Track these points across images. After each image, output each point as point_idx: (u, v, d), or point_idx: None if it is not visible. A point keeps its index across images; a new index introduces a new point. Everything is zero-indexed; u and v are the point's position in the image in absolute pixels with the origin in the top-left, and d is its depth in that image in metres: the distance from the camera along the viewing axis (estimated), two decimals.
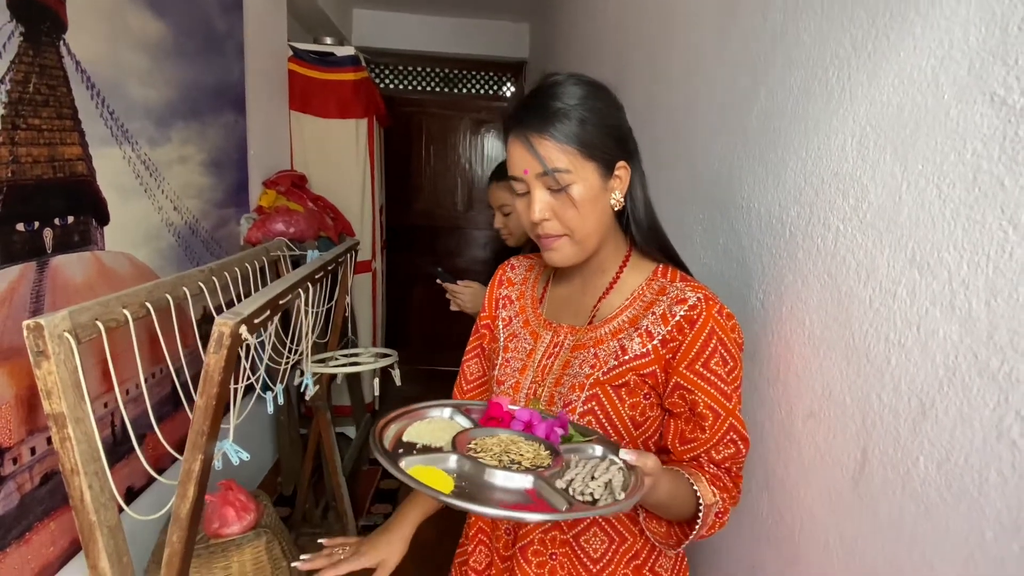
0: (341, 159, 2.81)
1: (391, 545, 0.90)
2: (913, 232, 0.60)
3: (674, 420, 0.78)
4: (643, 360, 0.76)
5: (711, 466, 0.75)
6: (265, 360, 1.43)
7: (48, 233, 1.21)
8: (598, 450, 0.69)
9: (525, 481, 0.60)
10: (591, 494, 0.59)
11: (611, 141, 0.75)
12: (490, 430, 0.72)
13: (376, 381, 1.91)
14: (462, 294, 1.51)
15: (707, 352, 0.73)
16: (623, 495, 0.58)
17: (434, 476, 0.60)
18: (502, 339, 0.90)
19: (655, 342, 0.76)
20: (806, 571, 0.77)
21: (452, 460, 0.64)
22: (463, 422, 0.76)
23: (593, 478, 0.61)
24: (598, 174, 0.75)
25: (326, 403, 2.18)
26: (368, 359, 2.00)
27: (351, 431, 2.93)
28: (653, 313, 0.77)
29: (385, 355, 1.98)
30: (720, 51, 1.04)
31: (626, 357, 0.76)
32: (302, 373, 1.89)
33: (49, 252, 1.21)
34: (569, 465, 0.64)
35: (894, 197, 0.62)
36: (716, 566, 1.00)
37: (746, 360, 0.83)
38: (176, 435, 1.07)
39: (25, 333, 0.84)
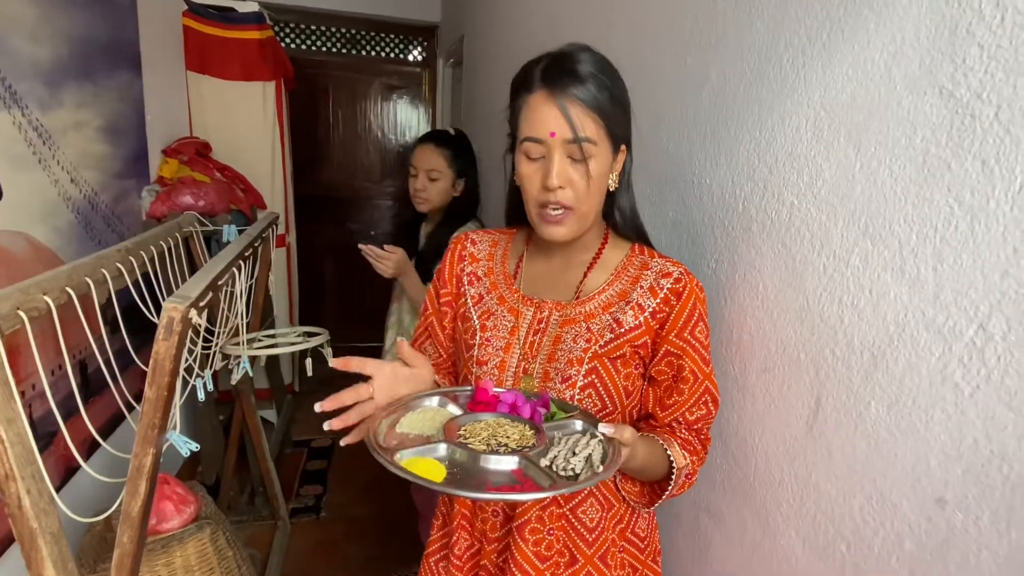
0: (247, 125, 2.62)
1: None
2: (866, 207, 0.68)
3: (654, 387, 0.84)
4: (637, 332, 0.81)
5: (683, 430, 0.82)
6: (200, 344, 1.34)
7: None
8: (579, 425, 0.74)
9: (511, 462, 0.64)
10: (572, 469, 0.63)
11: (625, 119, 0.78)
12: (477, 415, 0.74)
13: (308, 362, 1.85)
14: (387, 259, 1.49)
15: (692, 321, 0.80)
16: (602, 467, 0.63)
17: (427, 466, 0.63)
18: (475, 317, 0.89)
19: (646, 314, 0.81)
20: (761, 507, 0.87)
21: (442, 448, 0.67)
22: (453, 409, 0.77)
23: (574, 453, 0.65)
24: (610, 152, 0.77)
25: (250, 387, 2.07)
26: (296, 338, 1.92)
27: (270, 414, 2.81)
28: (640, 287, 0.82)
29: (315, 334, 1.92)
30: (668, 29, 1.09)
31: (622, 330, 0.81)
32: (225, 357, 1.78)
33: None
34: (552, 442, 0.68)
35: (848, 176, 0.70)
36: (674, 513, 1.09)
37: None
38: (84, 431, 0.99)
39: None
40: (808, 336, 0.77)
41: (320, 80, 3.71)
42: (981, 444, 0.56)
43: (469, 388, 0.82)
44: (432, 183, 1.55)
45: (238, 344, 1.72)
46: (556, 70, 0.74)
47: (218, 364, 1.71)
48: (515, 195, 0.87)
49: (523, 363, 0.84)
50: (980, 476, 0.56)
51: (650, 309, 0.81)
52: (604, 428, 0.67)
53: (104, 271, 1.11)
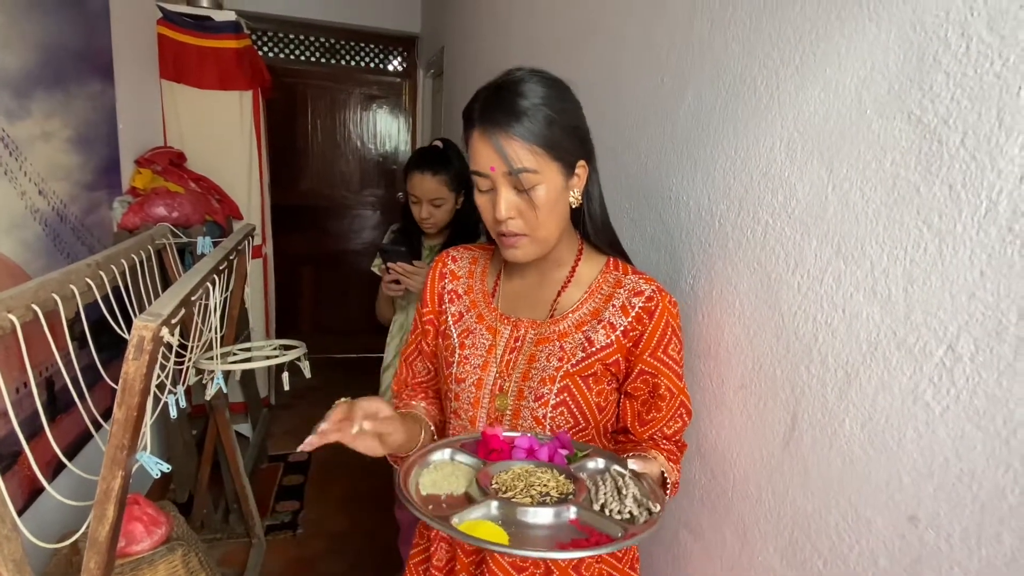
0: (223, 135, 2.59)
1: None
2: (839, 227, 0.69)
3: (631, 402, 0.84)
4: (608, 350, 0.81)
5: (664, 441, 0.84)
6: (172, 360, 1.31)
7: None
8: (600, 462, 0.75)
9: (568, 514, 0.64)
10: (629, 512, 0.64)
11: (575, 141, 0.78)
12: (503, 464, 0.73)
13: (285, 375, 1.82)
14: (418, 274, 1.48)
15: (665, 339, 0.81)
16: (652, 504, 0.64)
17: (487, 529, 0.62)
18: (455, 335, 0.89)
19: (617, 333, 0.81)
20: (739, 522, 0.87)
21: (493, 507, 0.65)
22: (465, 459, 0.76)
23: (620, 493, 0.66)
24: (561, 174, 0.77)
25: (224, 401, 2.03)
26: (271, 351, 1.89)
27: (245, 428, 2.76)
28: (613, 305, 0.82)
29: (291, 347, 1.89)
30: (646, 48, 1.10)
31: (593, 349, 0.81)
32: (198, 372, 1.75)
33: None
34: (589, 487, 0.69)
35: (821, 196, 0.72)
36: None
37: None
38: (50, 451, 0.96)
39: None
40: (784, 353, 0.78)
41: (299, 89, 3.69)
42: (951, 462, 0.57)
43: (471, 436, 0.80)
44: (437, 208, 1.55)
45: (212, 359, 1.69)
46: (491, 107, 0.75)
47: (191, 379, 1.68)
48: None
49: (499, 381, 0.84)
50: (951, 494, 0.57)
51: (622, 328, 0.81)
52: (634, 465, 0.71)
53: (72, 287, 1.08)
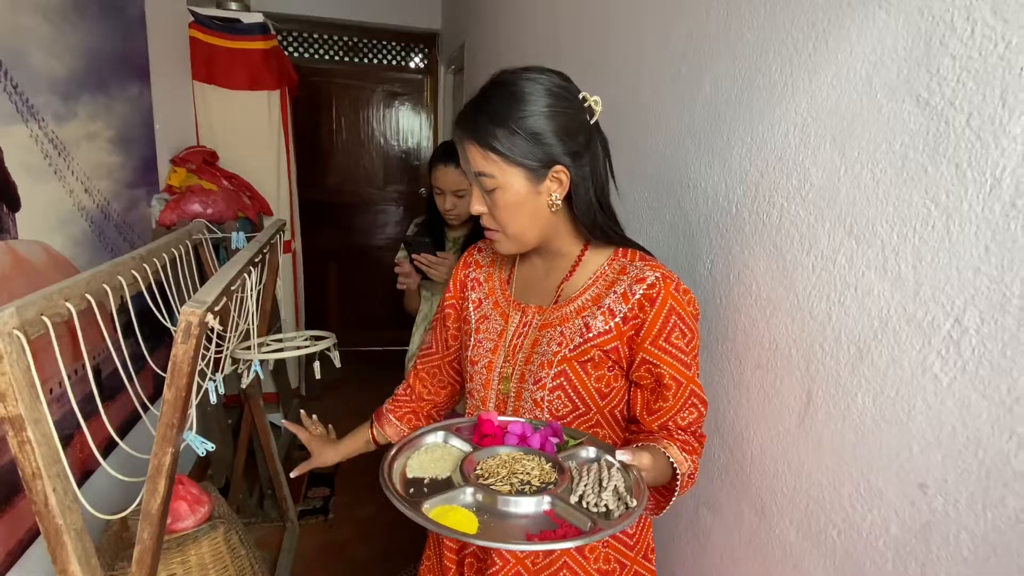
0: (253, 134, 2.66)
1: (332, 451, 1.10)
2: (851, 209, 0.72)
3: (640, 391, 0.85)
4: (606, 337, 0.82)
5: (679, 432, 0.83)
6: (212, 349, 1.37)
7: None
8: (592, 451, 0.75)
9: (543, 504, 0.64)
10: (605, 504, 0.64)
11: (543, 147, 0.77)
12: (490, 450, 0.75)
13: (316, 364, 1.88)
14: (442, 264, 1.53)
15: (668, 328, 0.80)
16: (632, 499, 0.64)
17: (457, 516, 0.63)
18: (473, 320, 0.95)
19: (617, 319, 0.82)
20: (757, 498, 0.90)
21: (468, 493, 0.67)
22: (458, 443, 0.78)
23: (601, 486, 0.66)
24: (525, 179, 0.79)
25: (259, 390, 2.11)
26: (303, 342, 1.95)
27: (276, 418, 2.85)
28: (614, 292, 0.83)
29: (322, 337, 1.95)
30: (664, 40, 1.13)
31: (590, 334, 0.82)
32: (234, 362, 1.82)
33: None
34: (573, 476, 0.69)
35: (833, 179, 0.74)
36: (675, 509, 1.12)
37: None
38: (101, 433, 1.02)
39: None
40: (799, 332, 0.81)
41: (323, 88, 3.76)
42: (958, 431, 0.59)
43: (469, 419, 0.84)
44: (461, 200, 1.59)
45: (247, 348, 1.76)
46: (462, 113, 0.82)
47: (228, 369, 1.75)
48: None
49: (507, 365, 0.89)
50: (957, 461, 0.59)
51: (621, 315, 0.82)
52: (621, 455, 0.69)
53: (120, 278, 1.15)
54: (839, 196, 0.73)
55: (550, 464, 0.72)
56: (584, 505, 0.64)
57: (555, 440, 0.76)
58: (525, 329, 0.89)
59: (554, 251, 0.89)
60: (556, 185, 0.80)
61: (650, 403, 0.84)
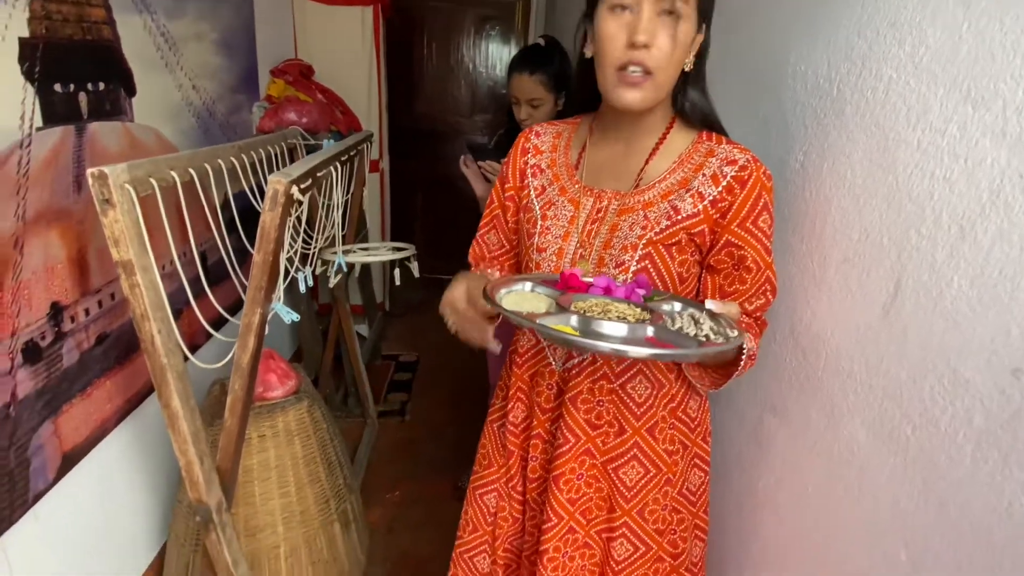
0: (346, 50, 2.73)
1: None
2: (970, 70, 0.63)
3: (712, 276, 0.83)
4: (694, 219, 0.80)
5: (744, 317, 0.81)
6: (300, 240, 1.46)
7: (83, 97, 1.20)
8: (677, 305, 0.74)
9: (647, 330, 0.65)
10: (706, 335, 0.64)
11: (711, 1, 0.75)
12: (581, 296, 0.74)
13: (397, 272, 1.97)
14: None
15: (756, 210, 0.78)
16: (730, 331, 0.64)
17: (569, 332, 0.63)
18: (537, 208, 0.91)
19: (706, 202, 0.79)
20: (827, 401, 0.86)
21: (573, 320, 0.67)
22: (544, 291, 0.77)
23: (697, 323, 0.66)
24: (695, 25, 0.75)
25: (345, 293, 2.24)
26: (386, 252, 2.04)
27: (363, 329, 3.02)
28: (703, 174, 0.80)
29: (402, 248, 2.03)
30: None
31: (679, 217, 0.80)
32: (324, 263, 1.94)
33: (85, 117, 1.20)
34: (666, 320, 0.68)
35: (953, 38, 0.65)
36: (738, 414, 1.10)
37: (778, 219, 0.88)
38: (210, 311, 1.12)
39: (91, 182, 0.87)
40: (894, 218, 0.74)
41: (415, 11, 3.75)
42: None
43: (551, 276, 0.82)
44: (536, 110, 1.57)
45: (335, 252, 1.86)
46: None
47: (318, 268, 1.87)
48: (584, 73, 0.86)
49: (579, 250, 0.86)
50: None
51: (711, 197, 0.79)
52: (711, 304, 0.70)
53: (220, 160, 1.24)
54: (958, 57, 0.65)
55: (641, 309, 0.71)
56: (684, 335, 0.65)
57: (641, 291, 0.75)
58: (600, 215, 0.85)
59: (643, 128, 0.85)
60: (696, 45, 0.77)
61: (724, 287, 0.83)
